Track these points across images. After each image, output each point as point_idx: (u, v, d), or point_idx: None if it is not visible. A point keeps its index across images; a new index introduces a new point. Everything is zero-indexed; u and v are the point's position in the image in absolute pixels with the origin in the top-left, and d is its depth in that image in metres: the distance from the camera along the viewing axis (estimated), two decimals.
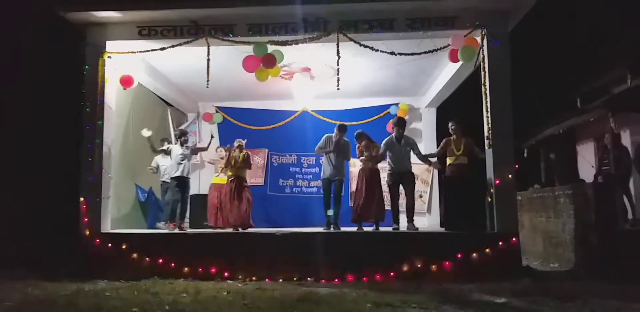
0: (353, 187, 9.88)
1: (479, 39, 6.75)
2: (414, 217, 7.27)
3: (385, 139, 7.48)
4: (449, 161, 7.11)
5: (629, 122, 9.06)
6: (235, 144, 7.91)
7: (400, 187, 7.38)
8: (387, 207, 8.91)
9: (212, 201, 8.54)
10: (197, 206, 8.81)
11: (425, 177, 10.05)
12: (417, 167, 7.68)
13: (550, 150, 11.28)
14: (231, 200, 7.59)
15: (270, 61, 6.85)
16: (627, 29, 11.14)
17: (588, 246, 6.74)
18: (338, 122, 8.31)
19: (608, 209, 6.77)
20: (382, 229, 7.26)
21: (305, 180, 10.48)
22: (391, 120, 8.43)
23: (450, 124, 7.23)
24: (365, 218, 7.26)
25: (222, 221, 8.09)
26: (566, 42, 13.71)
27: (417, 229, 7.10)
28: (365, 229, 7.22)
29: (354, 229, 7.22)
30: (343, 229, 7.27)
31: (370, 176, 7.36)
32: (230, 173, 7.79)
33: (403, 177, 7.31)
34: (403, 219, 7.38)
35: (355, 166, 10.02)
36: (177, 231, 7.33)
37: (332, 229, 7.19)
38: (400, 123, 7.51)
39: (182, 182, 7.68)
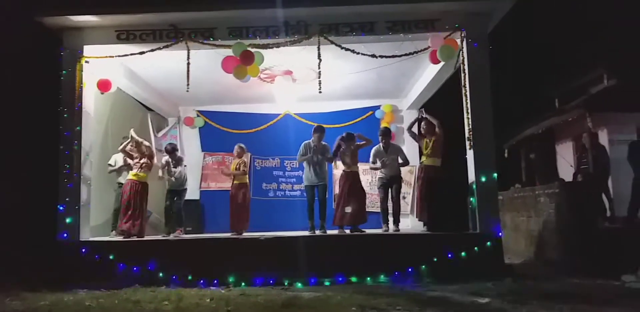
0: (337, 190, 9.92)
1: (458, 41, 6.81)
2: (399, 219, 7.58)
3: (374, 148, 7.74)
4: (423, 160, 7.45)
5: (606, 122, 9.21)
6: (237, 149, 7.94)
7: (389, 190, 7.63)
8: (371, 209, 9.02)
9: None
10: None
11: (408, 178, 10.08)
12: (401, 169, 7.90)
13: (530, 150, 11.42)
14: (241, 206, 7.81)
15: (248, 58, 6.72)
16: (604, 29, 11.36)
17: (569, 245, 6.84)
18: (315, 124, 8.60)
19: (587, 207, 6.88)
20: (368, 231, 7.29)
21: (289, 183, 10.44)
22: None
23: (425, 127, 7.50)
24: (346, 221, 7.29)
25: (131, 225, 7.16)
26: (544, 43, 13.91)
27: (398, 230, 7.35)
28: (346, 231, 7.25)
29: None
30: (329, 232, 7.27)
31: (350, 179, 7.42)
32: (237, 181, 7.89)
33: (392, 181, 7.60)
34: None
35: (338, 168, 10.03)
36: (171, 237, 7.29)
37: (317, 233, 7.20)
38: (386, 133, 7.84)
39: (177, 192, 7.88)
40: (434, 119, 7.40)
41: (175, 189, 7.87)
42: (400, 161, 7.69)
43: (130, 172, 7.55)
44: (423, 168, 7.37)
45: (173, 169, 7.81)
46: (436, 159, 7.28)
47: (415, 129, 7.83)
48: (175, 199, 7.80)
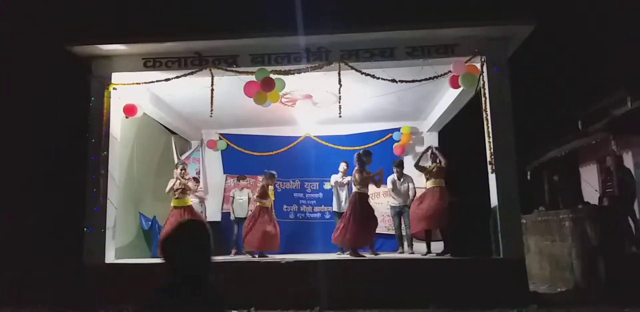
0: None
1: (478, 65, 6.85)
2: (413, 243, 8.26)
3: (389, 178, 8.33)
4: (427, 184, 7.62)
5: (630, 144, 9.07)
6: (267, 175, 8.09)
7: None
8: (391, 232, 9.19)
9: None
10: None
11: None
12: (420, 191, 8.06)
13: (553, 172, 11.27)
14: (264, 228, 7.73)
15: (269, 85, 6.87)
16: (627, 51, 11.29)
17: (595, 270, 6.70)
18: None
19: (613, 232, 6.75)
20: (386, 254, 7.29)
21: (309, 205, 10.44)
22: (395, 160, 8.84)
23: (432, 151, 7.82)
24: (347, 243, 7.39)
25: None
26: (566, 66, 13.85)
27: (412, 252, 8.01)
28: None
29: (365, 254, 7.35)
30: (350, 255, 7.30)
31: (356, 201, 7.43)
32: (261, 204, 7.96)
33: (403, 209, 8.23)
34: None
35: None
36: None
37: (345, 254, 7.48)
38: (400, 165, 8.38)
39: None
40: (442, 156, 7.59)
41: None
42: (410, 187, 8.31)
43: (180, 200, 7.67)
44: (430, 190, 7.53)
45: None
46: (439, 180, 7.44)
47: (422, 162, 8.02)
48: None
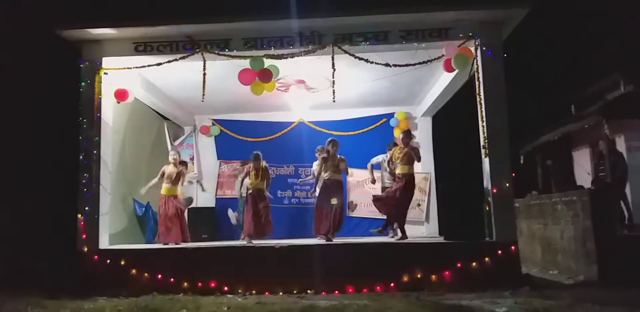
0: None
1: (472, 49, 6.82)
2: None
3: (380, 157, 8.35)
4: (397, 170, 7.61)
5: (623, 128, 9.11)
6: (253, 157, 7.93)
7: None
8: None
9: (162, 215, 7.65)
10: (197, 219, 8.96)
11: (422, 185, 10.06)
12: (416, 176, 7.95)
13: (546, 156, 11.33)
14: (253, 212, 7.65)
15: (266, 76, 6.88)
16: (620, 35, 11.27)
17: (587, 253, 6.77)
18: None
19: (605, 215, 6.80)
20: (379, 239, 7.32)
21: (303, 191, 10.47)
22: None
23: (401, 136, 7.68)
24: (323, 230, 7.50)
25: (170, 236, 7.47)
26: (560, 49, 13.83)
27: (393, 236, 7.98)
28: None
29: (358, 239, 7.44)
30: (343, 240, 7.33)
31: (328, 187, 7.62)
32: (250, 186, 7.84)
33: None
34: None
35: (352, 175, 10.05)
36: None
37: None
38: (392, 147, 8.29)
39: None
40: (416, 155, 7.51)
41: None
42: None
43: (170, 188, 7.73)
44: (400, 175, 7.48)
45: None
46: (408, 166, 7.44)
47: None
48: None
